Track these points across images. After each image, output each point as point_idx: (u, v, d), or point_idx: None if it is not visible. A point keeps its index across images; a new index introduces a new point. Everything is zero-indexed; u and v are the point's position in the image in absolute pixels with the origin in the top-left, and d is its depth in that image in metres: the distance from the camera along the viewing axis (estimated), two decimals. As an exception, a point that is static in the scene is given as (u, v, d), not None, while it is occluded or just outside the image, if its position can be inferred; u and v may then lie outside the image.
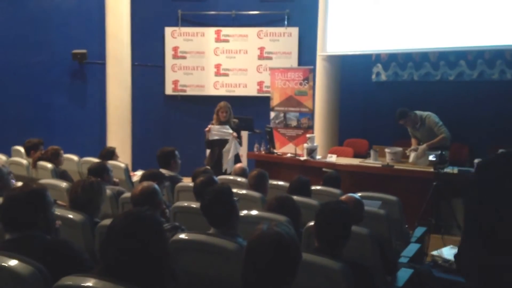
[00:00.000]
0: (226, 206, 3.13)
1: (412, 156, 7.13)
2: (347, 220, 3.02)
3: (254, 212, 3.79)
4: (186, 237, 3.00)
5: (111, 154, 6.74)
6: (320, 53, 9.32)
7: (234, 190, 4.76)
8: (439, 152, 6.11)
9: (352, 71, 9.67)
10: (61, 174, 5.99)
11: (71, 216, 3.40)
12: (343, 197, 3.89)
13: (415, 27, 8.28)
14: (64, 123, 10.30)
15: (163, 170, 5.53)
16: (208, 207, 3.14)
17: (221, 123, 7.42)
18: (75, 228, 3.38)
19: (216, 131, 7.37)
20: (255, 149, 8.41)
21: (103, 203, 3.67)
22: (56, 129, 10.05)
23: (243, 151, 8.58)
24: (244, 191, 4.75)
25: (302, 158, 7.73)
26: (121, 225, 2.16)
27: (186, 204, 4.11)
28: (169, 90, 10.70)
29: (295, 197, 4.11)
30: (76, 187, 3.54)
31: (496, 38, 7.61)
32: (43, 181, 4.93)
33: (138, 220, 2.17)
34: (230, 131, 7.35)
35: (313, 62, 9.40)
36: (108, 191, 4.33)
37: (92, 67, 10.45)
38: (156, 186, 3.59)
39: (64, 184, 4.73)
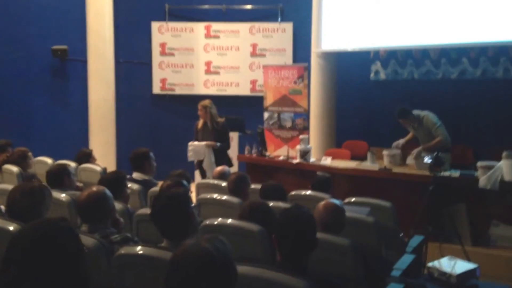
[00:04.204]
0: (180, 215, 2.71)
1: (408, 158, 6.84)
2: (310, 227, 2.65)
3: (228, 221, 3.35)
4: (131, 252, 2.54)
5: (87, 156, 6.45)
6: (315, 50, 8.95)
7: (214, 196, 4.48)
8: (435, 153, 5.68)
9: (349, 69, 9.33)
10: (29, 178, 5.52)
11: (4, 225, 2.94)
12: (322, 203, 3.47)
13: (415, 22, 7.97)
14: (44, 124, 9.93)
15: (136, 174, 5.19)
16: (159, 215, 2.71)
17: (204, 123, 7.32)
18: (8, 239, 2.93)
19: (191, 151, 7.32)
20: (246, 152, 8.00)
21: (46, 210, 3.25)
22: (35, 131, 9.70)
23: (233, 154, 8.28)
24: (224, 197, 4.41)
25: (295, 161, 7.36)
26: (23, 240, 1.81)
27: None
28: (156, 89, 10.39)
29: (271, 203, 3.73)
30: (14, 192, 3.12)
31: (499, 33, 7.30)
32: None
33: (45, 234, 1.79)
34: (202, 145, 7.20)
35: (308, 59, 9.04)
36: (67, 197, 3.91)
37: (74, 65, 10.07)
38: (106, 191, 3.16)
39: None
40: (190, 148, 7.28)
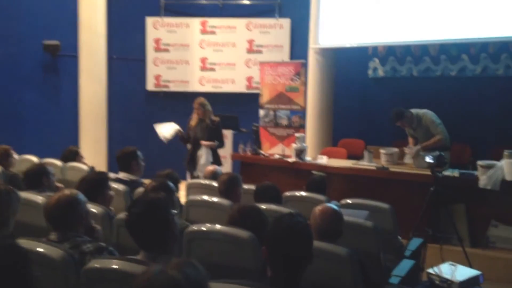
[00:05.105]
0: (158, 223, 2.45)
1: (406, 157, 6.72)
2: (306, 240, 2.38)
3: (217, 227, 3.13)
4: (101, 266, 2.31)
5: (74, 155, 6.22)
6: (312, 46, 8.78)
7: (204, 197, 4.28)
8: (437, 153, 5.51)
9: (347, 66, 9.17)
10: (10, 178, 5.27)
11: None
12: (319, 208, 3.25)
13: (414, 18, 7.81)
14: (34, 121, 9.74)
15: (122, 174, 4.97)
16: (134, 224, 2.45)
17: (199, 120, 7.07)
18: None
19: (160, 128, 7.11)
20: (240, 150, 7.81)
21: (13, 216, 3.05)
22: (25, 127, 9.53)
23: (227, 152, 8.15)
24: (214, 199, 4.22)
25: (290, 160, 7.20)
26: None
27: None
28: (150, 85, 10.21)
29: (264, 206, 3.55)
30: (-23, 197, 2.90)
31: (500, 29, 7.13)
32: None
33: None
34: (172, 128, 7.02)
35: (306, 56, 8.88)
36: (44, 199, 3.68)
37: (66, 60, 9.86)
38: (79, 195, 2.91)
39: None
40: (158, 129, 7.04)
